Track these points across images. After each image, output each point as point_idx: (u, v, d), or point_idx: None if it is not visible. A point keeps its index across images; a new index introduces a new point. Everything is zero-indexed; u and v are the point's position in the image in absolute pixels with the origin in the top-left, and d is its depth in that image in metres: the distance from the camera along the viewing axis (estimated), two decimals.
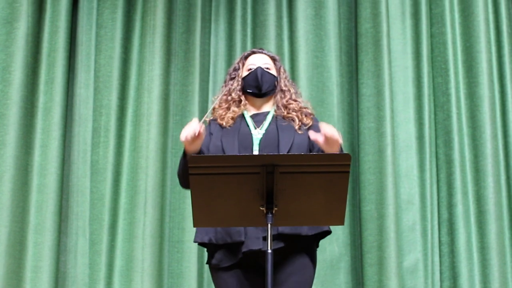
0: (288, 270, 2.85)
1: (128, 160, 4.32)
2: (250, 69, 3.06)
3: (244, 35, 4.52)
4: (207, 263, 2.98)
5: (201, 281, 4.24)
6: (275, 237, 2.73)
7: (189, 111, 4.39)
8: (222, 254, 2.88)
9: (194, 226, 2.65)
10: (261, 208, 2.48)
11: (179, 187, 4.26)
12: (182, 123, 4.37)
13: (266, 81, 3.03)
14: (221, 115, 3.03)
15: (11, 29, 4.31)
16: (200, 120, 2.80)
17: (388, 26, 4.38)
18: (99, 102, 4.38)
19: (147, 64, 4.39)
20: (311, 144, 2.96)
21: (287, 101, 3.04)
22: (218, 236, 2.86)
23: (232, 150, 2.89)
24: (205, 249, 3.01)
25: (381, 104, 4.26)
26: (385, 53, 4.32)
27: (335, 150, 2.71)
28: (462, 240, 4.19)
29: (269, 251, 2.46)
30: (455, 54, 4.44)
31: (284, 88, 3.08)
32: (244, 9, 4.55)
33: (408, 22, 4.50)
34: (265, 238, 2.75)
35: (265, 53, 3.14)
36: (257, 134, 2.95)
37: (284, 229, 2.79)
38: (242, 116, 3.03)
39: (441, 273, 4.24)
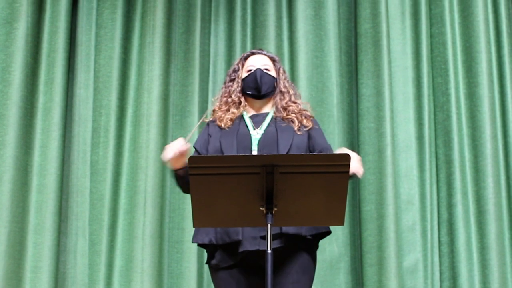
0: (288, 270, 2.85)
1: (127, 160, 4.32)
2: (250, 70, 3.06)
3: (243, 36, 4.52)
4: (206, 263, 2.98)
5: (200, 281, 4.24)
6: (274, 237, 2.73)
7: (189, 111, 4.39)
8: (222, 254, 2.88)
9: (194, 227, 2.65)
10: (261, 209, 2.48)
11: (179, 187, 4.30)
12: (182, 123, 4.38)
13: (265, 82, 3.03)
14: (220, 116, 3.02)
15: (10, 29, 4.31)
16: (186, 140, 2.79)
17: (388, 26, 4.38)
18: (98, 102, 4.38)
19: (146, 64, 4.39)
20: (311, 145, 2.96)
21: (286, 103, 3.04)
22: (218, 237, 2.86)
23: (231, 150, 2.89)
24: (205, 250, 3.01)
25: (381, 104, 4.26)
26: (385, 53, 4.32)
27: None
28: (462, 240, 4.19)
29: (269, 251, 2.46)
30: (454, 54, 4.44)
31: (283, 89, 3.07)
32: (243, 9, 4.55)
33: (408, 22, 4.50)
34: (262, 238, 2.77)
35: (264, 54, 3.14)
36: (256, 134, 2.95)
37: (288, 229, 2.79)
38: (241, 117, 3.02)
39: (440, 273, 4.24)
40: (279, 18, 4.48)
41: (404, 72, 4.44)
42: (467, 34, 4.45)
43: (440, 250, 4.26)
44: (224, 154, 2.88)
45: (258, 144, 2.91)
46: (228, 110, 3.04)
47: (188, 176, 2.67)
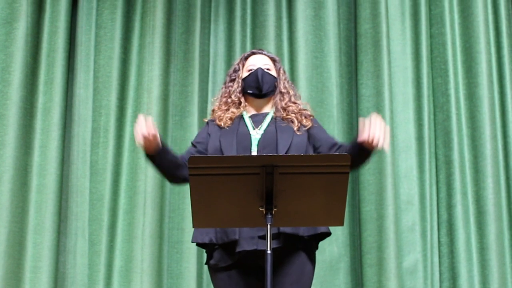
0: (286, 270, 2.84)
1: (127, 160, 4.32)
2: (251, 70, 3.06)
3: (243, 36, 4.52)
4: (206, 264, 2.98)
5: (200, 282, 4.24)
6: (273, 237, 2.73)
7: (189, 111, 4.39)
8: (220, 254, 2.88)
9: (193, 227, 2.65)
10: (260, 209, 2.48)
11: (178, 187, 4.31)
12: (181, 124, 4.37)
13: (267, 81, 3.03)
14: (220, 116, 3.02)
15: (10, 29, 4.32)
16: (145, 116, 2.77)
17: (388, 26, 4.38)
18: (98, 102, 4.38)
19: (146, 64, 4.39)
20: (315, 142, 2.96)
21: (286, 104, 3.04)
22: (218, 236, 2.86)
23: (231, 150, 2.89)
24: (204, 250, 3.01)
25: (381, 105, 4.26)
26: (385, 54, 4.32)
27: (375, 147, 2.75)
28: (462, 241, 4.19)
29: (269, 251, 2.46)
30: (454, 55, 4.44)
31: (283, 90, 3.07)
32: (243, 9, 4.55)
33: (408, 22, 4.50)
34: (260, 237, 2.77)
35: (265, 54, 3.14)
36: (256, 134, 2.95)
37: (286, 229, 2.79)
38: (241, 116, 3.02)
39: (440, 274, 4.24)
40: (278, 19, 4.48)
41: (404, 73, 4.44)
42: (467, 34, 4.45)
43: (439, 251, 4.26)
44: (224, 154, 2.88)
45: (258, 144, 2.91)
46: (227, 109, 3.04)
47: (164, 163, 2.81)
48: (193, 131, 4.23)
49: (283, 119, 3.00)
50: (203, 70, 4.47)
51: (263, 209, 2.48)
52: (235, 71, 3.11)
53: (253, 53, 3.15)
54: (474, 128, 4.34)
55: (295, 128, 2.96)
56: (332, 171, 2.46)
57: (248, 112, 3.05)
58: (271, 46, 4.35)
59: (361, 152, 2.81)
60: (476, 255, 4.21)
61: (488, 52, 4.39)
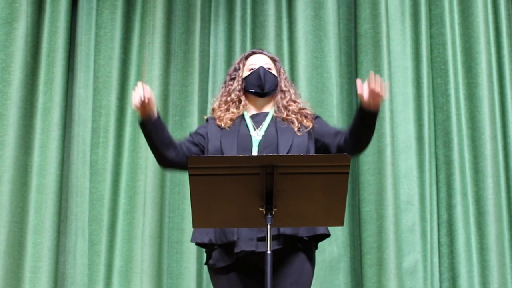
0: (286, 271, 2.84)
1: (127, 160, 4.32)
2: (252, 69, 3.06)
3: (243, 36, 4.52)
4: (205, 264, 2.98)
5: (200, 282, 4.24)
6: (272, 238, 2.73)
7: (189, 111, 4.39)
8: (219, 254, 2.88)
9: (193, 227, 2.65)
10: (260, 209, 2.48)
11: (178, 187, 4.31)
12: (181, 124, 4.37)
13: (269, 80, 3.04)
14: (220, 116, 3.02)
15: (10, 29, 4.31)
16: (143, 80, 2.84)
17: (388, 27, 4.38)
18: (98, 102, 4.38)
19: (146, 64, 4.38)
20: (317, 141, 2.96)
21: (287, 102, 3.05)
22: (217, 236, 2.86)
23: (231, 151, 2.89)
24: (204, 250, 3.01)
25: (381, 105, 4.25)
26: (385, 54, 4.32)
27: (376, 105, 2.80)
28: (462, 241, 4.19)
29: (269, 252, 2.46)
30: (454, 55, 4.44)
31: (284, 88, 3.08)
32: (243, 9, 4.55)
33: (408, 22, 4.50)
34: (259, 239, 2.77)
35: (265, 54, 3.15)
36: (256, 135, 2.95)
37: (286, 230, 2.79)
38: (242, 116, 3.02)
39: (440, 274, 4.24)
40: (278, 19, 4.48)
41: (404, 73, 4.44)
42: (467, 34, 4.45)
43: (439, 251, 4.26)
44: (224, 154, 2.88)
45: (259, 146, 2.91)
46: (227, 109, 3.03)
47: (157, 135, 2.84)
48: None
49: (283, 119, 3.00)
50: (203, 70, 4.47)
51: (263, 209, 2.48)
52: (236, 70, 3.11)
53: (254, 53, 3.15)
54: (474, 129, 4.34)
55: (296, 129, 2.96)
56: (332, 171, 2.47)
57: (248, 111, 3.05)
58: (271, 46, 4.35)
59: (365, 118, 2.85)
60: (476, 256, 4.21)
61: (488, 52, 4.39)
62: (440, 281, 4.23)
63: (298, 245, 2.86)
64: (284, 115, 3.00)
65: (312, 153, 2.94)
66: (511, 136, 4.38)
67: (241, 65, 3.11)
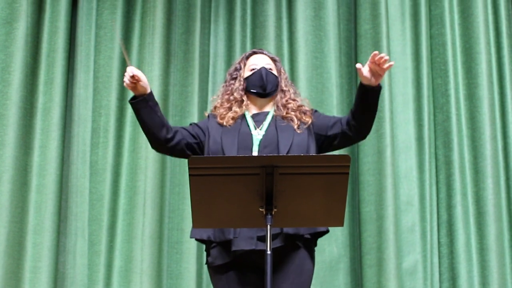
0: (286, 270, 2.85)
1: (127, 160, 4.32)
2: (253, 69, 3.07)
3: (243, 36, 4.52)
4: (206, 263, 2.98)
5: (200, 282, 4.24)
6: (273, 237, 2.73)
7: (189, 111, 4.39)
8: (218, 252, 2.88)
9: (193, 227, 2.66)
10: (260, 209, 2.48)
11: (178, 188, 4.31)
12: (181, 124, 4.37)
13: (270, 81, 3.05)
14: (222, 114, 3.03)
15: (10, 30, 4.31)
16: (129, 64, 2.93)
17: (388, 27, 4.38)
18: (98, 102, 4.38)
19: (146, 64, 4.39)
20: (318, 134, 2.97)
21: (286, 101, 3.06)
22: (216, 234, 2.86)
23: (232, 149, 2.89)
24: (204, 249, 3.01)
25: (381, 105, 4.23)
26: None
27: (377, 79, 2.83)
28: (461, 242, 4.19)
29: (268, 252, 2.46)
30: (454, 55, 4.44)
31: (284, 88, 3.09)
32: (243, 10, 4.55)
33: (408, 23, 4.50)
34: (259, 238, 2.77)
35: (266, 54, 3.16)
36: (257, 135, 2.95)
37: (288, 230, 2.80)
38: (243, 116, 3.03)
39: (440, 275, 4.24)
40: (278, 19, 4.48)
41: (404, 73, 4.44)
42: (467, 35, 4.45)
43: (439, 251, 4.26)
44: (225, 153, 2.89)
45: (259, 145, 2.92)
46: (230, 108, 3.04)
47: (149, 115, 2.90)
48: None
49: (283, 118, 3.00)
50: (203, 70, 4.47)
51: (263, 210, 2.48)
52: (237, 69, 3.12)
53: (255, 53, 3.16)
54: (474, 129, 4.34)
55: (295, 127, 2.96)
56: (332, 172, 2.47)
57: (249, 111, 3.06)
58: (271, 47, 4.35)
59: (367, 96, 2.87)
60: (476, 256, 4.21)
61: (488, 53, 4.39)
62: (440, 282, 4.23)
63: (298, 244, 2.86)
64: (284, 114, 3.01)
65: (313, 150, 2.95)
66: (511, 137, 4.38)
67: (242, 65, 3.12)
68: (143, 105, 2.93)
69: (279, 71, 3.12)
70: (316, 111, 3.09)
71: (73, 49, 4.44)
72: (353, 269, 4.26)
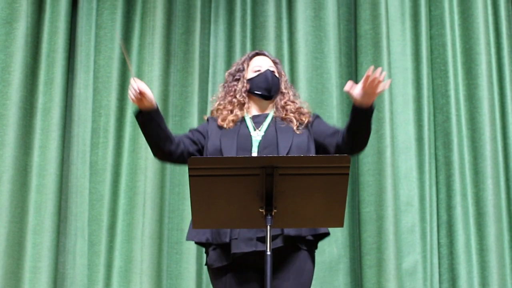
0: (286, 271, 2.84)
1: (127, 161, 4.32)
2: (257, 71, 3.06)
3: (243, 36, 4.52)
4: (206, 265, 2.98)
5: (199, 282, 4.24)
6: (273, 238, 2.73)
7: (188, 112, 4.39)
8: (217, 254, 2.88)
9: (193, 228, 2.65)
10: (260, 210, 2.48)
11: (178, 188, 4.31)
12: (181, 124, 4.37)
13: (275, 84, 3.05)
14: (224, 116, 3.02)
15: (10, 30, 4.32)
16: (133, 75, 2.88)
17: (388, 27, 4.38)
18: (98, 102, 4.38)
19: (146, 65, 4.39)
20: (315, 140, 2.97)
21: (285, 102, 3.06)
22: (213, 236, 2.86)
23: (231, 151, 2.89)
24: (204, 250, 3.01)
25: (381, 106, 4.26)
26: (385, 55, 4.32)
27: (368, 102, 2.79)
28: (461, 242, 4.19)
29: (268, 253, 2.46)
30: (454, 56, 4.44)
31: (284, 90, 3.09)
32: (243, 10, 4.55)
33: (408, 23, 4.50)
34: (259, 239, 2.77)
35: (268, 56, 3.15)
36: (257, 136, 2.95)
37: (290, 231, 2.80)
38: (243, 117, 3.03)
39: (440, 275, 4.24)
40: (279, 19, 4.48)
41: (404, 74, 4.44)
42: (467, 35, 4.45)
43: (439, 252, 4.26)
44: (224, 154, 2.88)
45: (259, 146, 2.92)
46: (232, 111, 3.03)
47: (153, 127, 2.86)
48: None
49: (282, 119, 3.00)
50: (203, 70, 4.47)
51: (263, 210, 2.48)
52: (240, 70, 3.10)
53: (257, 54, 3.15)
54: (474, 130, 4.35)
55: (295, 128, 2.96)
56: (332, 172, 2.47)
57: (250, 113, 3.06)
58: (271, 47, 4.35)
59: (359, 117, 2.83)
60: (475, 257, 4.21)
61: (488, 53, 4.39)
62: (440, 282, 4.23)
63: (299, 245, 2.86)
64: (283, 115, 3.01)
65: (313, 151, 2.95)
66: (511, 137, 4.39)
67: (245, 66, 3.10)
68: (148, 120, 2.90)
69: (279, 73, 3.12)
70: (317, 116, 3.08)
71: (73, 49, 4.44)
72: (353, 270, 4.26)
